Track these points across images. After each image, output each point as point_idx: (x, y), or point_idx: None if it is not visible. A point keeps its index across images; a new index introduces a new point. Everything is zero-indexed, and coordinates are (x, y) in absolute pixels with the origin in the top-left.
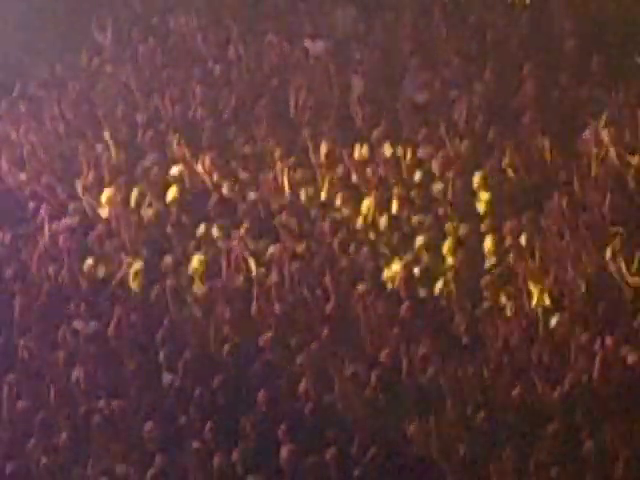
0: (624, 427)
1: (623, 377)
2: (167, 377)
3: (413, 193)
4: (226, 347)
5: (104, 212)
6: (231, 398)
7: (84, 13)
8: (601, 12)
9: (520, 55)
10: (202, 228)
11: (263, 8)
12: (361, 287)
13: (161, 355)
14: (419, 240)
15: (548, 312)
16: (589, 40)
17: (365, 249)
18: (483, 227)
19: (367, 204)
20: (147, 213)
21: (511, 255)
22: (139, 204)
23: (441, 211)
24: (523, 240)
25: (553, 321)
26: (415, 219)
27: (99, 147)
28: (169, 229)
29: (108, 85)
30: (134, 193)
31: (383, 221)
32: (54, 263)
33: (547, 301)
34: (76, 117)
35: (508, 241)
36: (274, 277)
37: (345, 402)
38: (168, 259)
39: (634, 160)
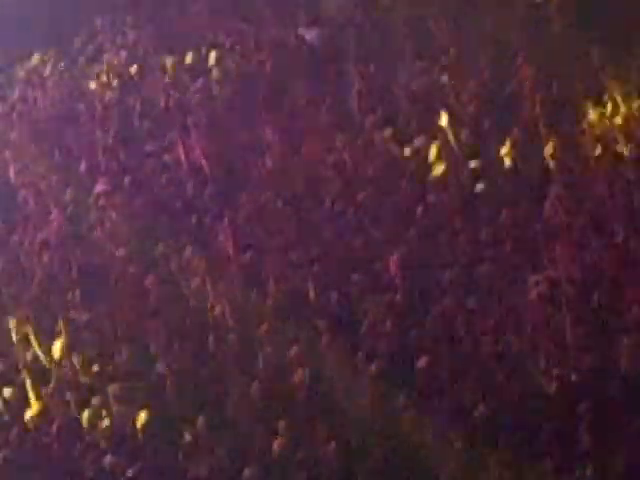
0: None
1: (621, 370)
2: (160, 367)
3: (405, 182)
4: (221, 337)
5: (98, 202)
6: (224, 390)
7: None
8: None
9: (517, 43)
10: (194, 218)
11: None
12: (356, 277)
13: (153, 346)
14: (413, 230)
15: (543, 303)
16: (588, 28)
17: (360, 239)
18: (479, 216)
19: (362, 195)
20: (142, 201)
21: (507, 246)
22: (133, 194)
23: (436, 200)
24: (519, 231)
25: (549, 310)
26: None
27: (93, 135)
28: (163, 218)
29: (101, 72)
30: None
31: (381, 212)
32: (46, 252)
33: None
34: (69, 105)
35: (504, 232)
36: (268, 267)
37: (342, 394)
38: (160, 249)
39: (631, 151)
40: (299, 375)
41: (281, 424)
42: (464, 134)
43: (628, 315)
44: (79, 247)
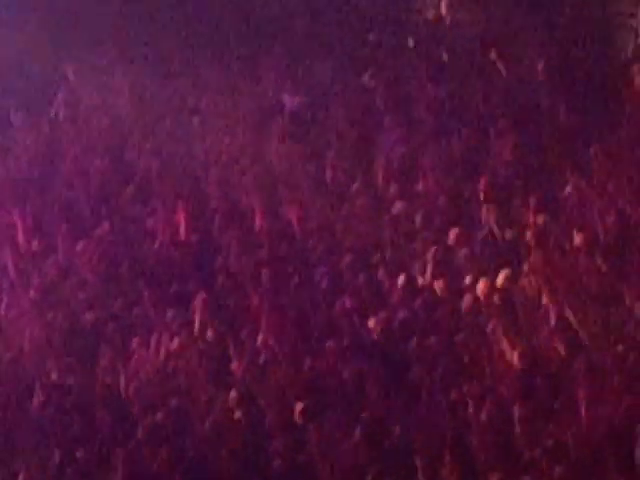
0: None
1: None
2: (140, 433)
3: (388, 253)
4: (198, 408)
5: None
6: (203, 456)
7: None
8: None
9: (496, 111)
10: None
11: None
12: (338, 341)
13: (135, 409)
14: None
15: (525, 373)
16: (565, 95)
17: (342, 306)
18: (461, 284)
19: (345, 262)
20: (123, 268)
21: (486, 313)
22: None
23: (418, 268)
24: (498, 299)
25: (531, 382)
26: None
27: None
28: (141, 283)
29: (80, 137)
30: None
31: (360, 278)
32: (23, 317)
33: (523, 363)
34: (50, 168)
35: (484, 299)
36: (245, 333)
37: (321, 462)
38: (139, 313)
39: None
40: (275, 442)
41: None
42: (443, 201)
43: None
44: (60, 310)
